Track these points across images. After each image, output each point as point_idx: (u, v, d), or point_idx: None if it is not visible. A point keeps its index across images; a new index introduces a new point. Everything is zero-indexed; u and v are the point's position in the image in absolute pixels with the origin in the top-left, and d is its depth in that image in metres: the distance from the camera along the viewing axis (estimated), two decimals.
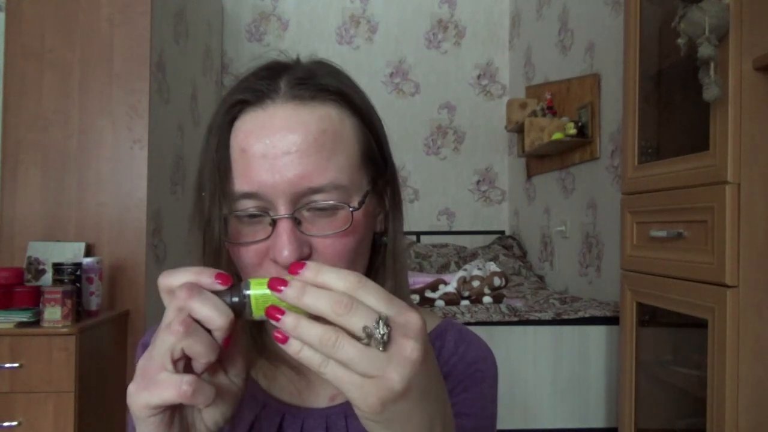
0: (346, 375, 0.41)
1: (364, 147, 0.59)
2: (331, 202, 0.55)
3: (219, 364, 0.49)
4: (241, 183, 0.54)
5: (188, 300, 0.44)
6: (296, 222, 0.54)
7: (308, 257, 0.55)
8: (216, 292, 0.46)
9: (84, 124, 2.28)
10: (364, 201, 0.57)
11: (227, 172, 0.55)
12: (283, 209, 0.53)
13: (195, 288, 0.45)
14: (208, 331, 0.45)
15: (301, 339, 0.41)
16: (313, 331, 0.41)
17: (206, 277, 0.46)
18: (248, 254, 0.55)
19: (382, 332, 0.40)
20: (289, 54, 0.61)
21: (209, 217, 0.56)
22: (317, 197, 0.54)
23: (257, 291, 0.45)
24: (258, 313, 0.45)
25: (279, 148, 0.54)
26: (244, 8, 4.00)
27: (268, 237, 0.54)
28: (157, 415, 0.44)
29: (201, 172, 0.58)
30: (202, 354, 0.44)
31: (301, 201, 0.54)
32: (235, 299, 0.45)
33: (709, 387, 1.44)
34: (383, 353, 0.40)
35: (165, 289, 0.46)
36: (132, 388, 0.44)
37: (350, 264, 0.56)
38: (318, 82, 0.57)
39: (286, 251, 0.52)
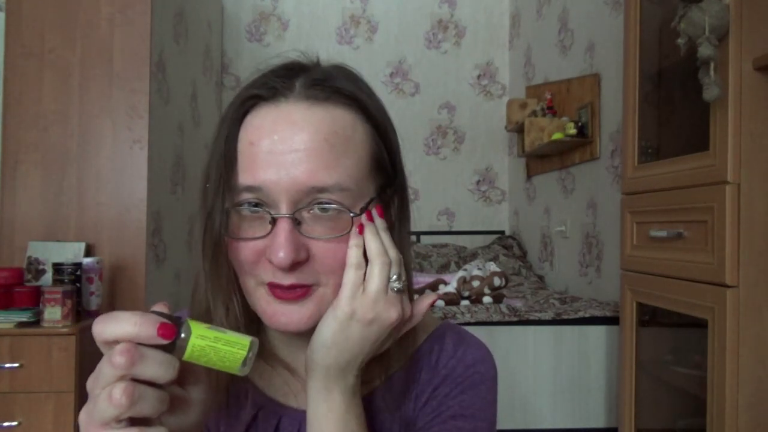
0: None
1: (374, 155, 0.58)
2: (334, 205, 0.54)
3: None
4: (245, 177, 0.54)
5: (130, 368, 0.41)
6: (296, 222, 0.53)
7: (305, 261, 0.54)
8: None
9: (84, 124, 2.28)
10: (366, 208, 0.56)
11: (233, 164, 0.55)
12: (284, 208, 0.53)
13: (134, 351, 0.41)
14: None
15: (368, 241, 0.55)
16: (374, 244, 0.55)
17: (147, 329, 0.42)
18: (246, 250, 0.55)
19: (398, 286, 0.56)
20: (310, 55, 0.60)
21: (212, 208, 0.55)
22: (321, 196, 0.53)
23: (198, 342, 0.44)
24: (187, 359, 0.44)
25: (287, 145, 0.53)
26: (244, 8, 3.99)
27: (267, 235, 0.53)
28: None
29: (208, 163, 0.57)
30: (152, 413, 0.42)
31: (303, 201, 0.53)
32: (181, 335, 0.44)
33: (709, 387, 1.44)
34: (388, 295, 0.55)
35: (101, 340, 0.43)
36: None
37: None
38: (333, 84, 0.56)
39: (282, 253, 0.52)
